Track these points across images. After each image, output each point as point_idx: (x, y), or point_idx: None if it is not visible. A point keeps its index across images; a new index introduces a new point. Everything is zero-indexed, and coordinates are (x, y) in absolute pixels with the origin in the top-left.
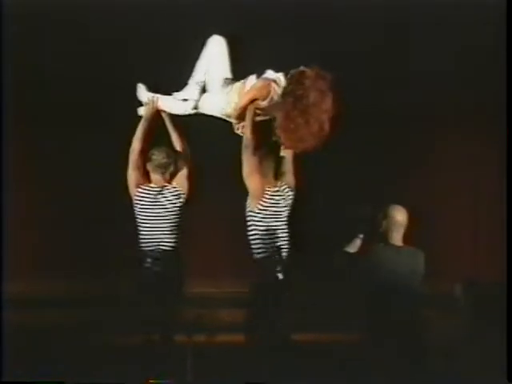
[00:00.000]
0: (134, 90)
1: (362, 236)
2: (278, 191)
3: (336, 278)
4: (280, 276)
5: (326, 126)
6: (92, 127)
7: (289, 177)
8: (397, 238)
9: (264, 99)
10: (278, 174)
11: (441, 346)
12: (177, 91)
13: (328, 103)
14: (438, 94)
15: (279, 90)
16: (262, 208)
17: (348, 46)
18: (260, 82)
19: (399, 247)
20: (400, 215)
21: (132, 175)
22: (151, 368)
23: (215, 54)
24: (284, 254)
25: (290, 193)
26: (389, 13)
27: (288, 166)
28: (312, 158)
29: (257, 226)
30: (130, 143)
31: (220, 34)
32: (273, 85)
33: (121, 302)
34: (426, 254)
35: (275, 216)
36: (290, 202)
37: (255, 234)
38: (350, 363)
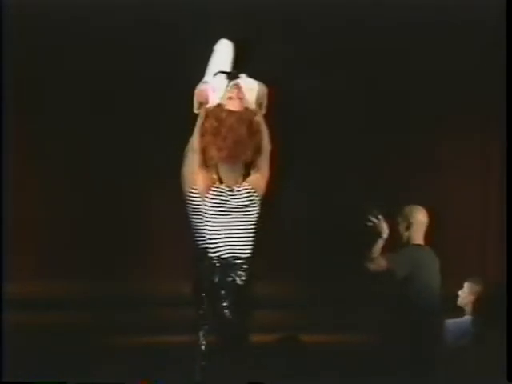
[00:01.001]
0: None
1: (384, 237)
2: (229, 191)
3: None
4: (233, 277)
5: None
6: (92, 126)
7: (255, 178)
8: (420, 237)
9: (206, 103)
10: (243, 175)
11: (442, 347)
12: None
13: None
14: (438, 94)
15: (215, 96)
16: (207, 208)
17: (355, 47)
18: (200, 86)
19: (423, 246)
20: (422, 215)
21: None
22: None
23: (219, 56)
24: (237, 255)
25: (254, 194)
26: (390, 14)
27: (257, 168)
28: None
29: (204, 227)
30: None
31: (228, 38)
32: (209, 90)
33: (122, 302)
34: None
35: (223, 217)
36: (248, 203)
37: (203, 237)
38: (353, 364)
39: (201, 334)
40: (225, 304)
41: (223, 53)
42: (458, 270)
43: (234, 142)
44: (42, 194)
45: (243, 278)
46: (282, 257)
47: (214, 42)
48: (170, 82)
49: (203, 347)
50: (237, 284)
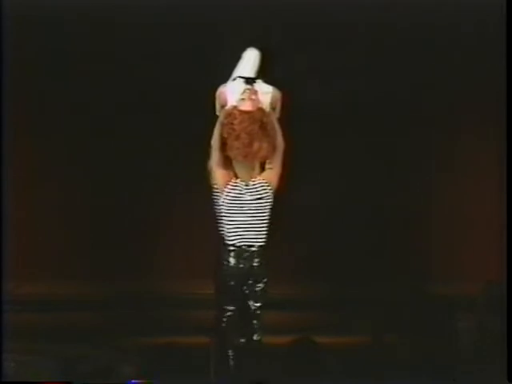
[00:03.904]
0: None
1: None
2: (245, 185)
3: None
4: (246, 264)
5: (256, 143)
6: (93, 126)
7: (269, 173)
8: None
9: (226, 105)
10: (257, 170)
11: (443, 347)
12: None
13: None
14: (437, 95)
15: (233, 99)
16: (226, 201)
17: (355, 46)
18: (220, 89)
19: None
20: None
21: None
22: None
23: (245, 63)
24: (251, 243)
25: (267, 188)
26: (390, 14)
27: (273, 163)
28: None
29: (223, 218)
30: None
31: (256, 47)
32: (228, 93)
33: (124, 303)
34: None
35: (239, 209)
36: (263, 196)
37: (223, 226)
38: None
39: (220, 331)
40: (240, 289)
41: (249, 60)
42: (459, 270)
43: (248, 140)
44: (42, 194)
45: (256, 265)
46: (299, 258)
47: (240, 49)
48: (193, 87)
49: (219, 347)
50: (250, 270)
